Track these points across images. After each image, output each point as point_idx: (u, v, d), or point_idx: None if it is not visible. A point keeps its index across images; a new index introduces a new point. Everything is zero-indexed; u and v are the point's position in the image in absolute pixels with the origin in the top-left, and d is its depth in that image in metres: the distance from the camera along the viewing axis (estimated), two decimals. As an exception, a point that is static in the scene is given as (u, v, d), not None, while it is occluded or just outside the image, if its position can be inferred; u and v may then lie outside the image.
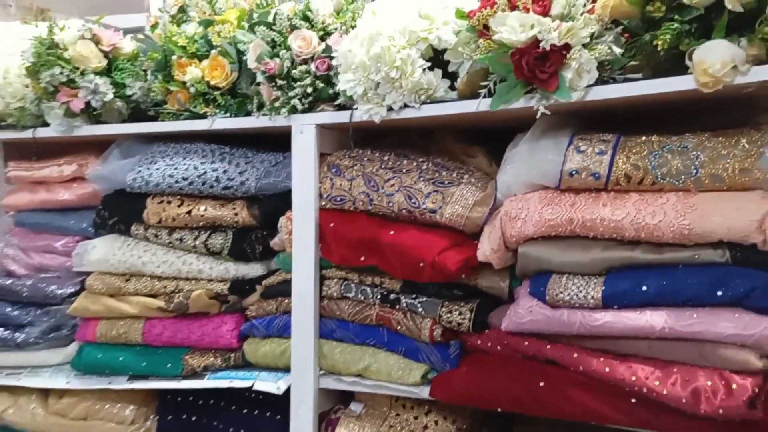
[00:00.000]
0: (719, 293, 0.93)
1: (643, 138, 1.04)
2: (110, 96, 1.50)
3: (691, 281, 0.95)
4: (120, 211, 1.51)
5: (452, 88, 1.18)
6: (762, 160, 0.94)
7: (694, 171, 0.98)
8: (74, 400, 1.58)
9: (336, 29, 1.29)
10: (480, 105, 1.09)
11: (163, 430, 1.51)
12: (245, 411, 1.43)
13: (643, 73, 1.02)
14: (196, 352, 1.45)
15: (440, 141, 1.37)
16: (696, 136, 1.01)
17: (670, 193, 1.00)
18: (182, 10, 1.59)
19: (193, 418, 1.48)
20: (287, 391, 1.33)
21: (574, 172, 1.05)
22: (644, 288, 0.98)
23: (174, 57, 1.43)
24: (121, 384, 1.50)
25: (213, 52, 1.39)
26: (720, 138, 0.99)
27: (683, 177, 0.98)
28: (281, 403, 1.35)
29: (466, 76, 1.14)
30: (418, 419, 1.28)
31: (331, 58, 1.26)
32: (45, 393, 1.63)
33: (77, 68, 1.50)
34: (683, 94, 0.95)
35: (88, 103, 1.51)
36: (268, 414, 1.40)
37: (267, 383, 1.35)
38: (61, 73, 1.49)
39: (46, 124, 1.60)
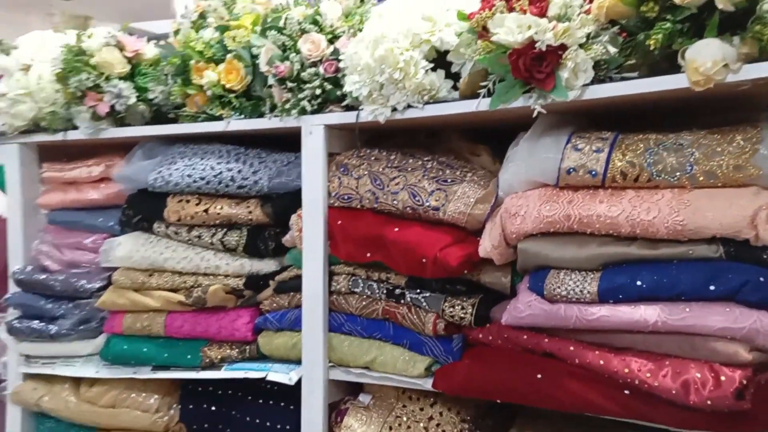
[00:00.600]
0: (712, 288, 0.94)
1: (640, 136, 1.05)
2: (133, 100, 1.57)
3: (685, 276, 0.96)
4: (143, 210, 1.57)
5: (455, 88, 1.20)
6: (756, 156, 0.94)
7: (689, 168, 0.98)
8: (104, 389, 1.65)
9: (344, 32, 1.32)
10: (480, 105, 1.11)
11: (184, 418, 1.58)
12: (260, 401, 1.49)
13: (640, 72, 1.02)
14: (214, 344, 1.51)
15: (446, 140, 1.39)
16: (692, 133, 1.01)
17: (665, 190, 1.01)
18: (202, 16, 1.64)
19: (213, 408, 1.54)
20: (299, 382, 1.38)
21: (571, 170, 1.07)
22: (639, 283, 0.99)
23: (192, 62, 1.47)
24: (145, 374, 1.57)
25: (228, 56, 1.42)
26: (715, 135, 0.99)
27: (678, 174, 0.99)
28: (294, 393, 1.40)
29: (468, 76, 1.15)
30: (423, 410, 1.31)
31: (339, 60, 1.28)
32: (77, 382, 1.71)
33: (102, 74, 1.57)
34: (678, 92, 0.95)
35: (112, 107, 1.57)
36: (281, 404, 1.45)
37: (280, 374, 1.39)
38: (88, 79, 1.56)
39: (75, 128, 1.67)
